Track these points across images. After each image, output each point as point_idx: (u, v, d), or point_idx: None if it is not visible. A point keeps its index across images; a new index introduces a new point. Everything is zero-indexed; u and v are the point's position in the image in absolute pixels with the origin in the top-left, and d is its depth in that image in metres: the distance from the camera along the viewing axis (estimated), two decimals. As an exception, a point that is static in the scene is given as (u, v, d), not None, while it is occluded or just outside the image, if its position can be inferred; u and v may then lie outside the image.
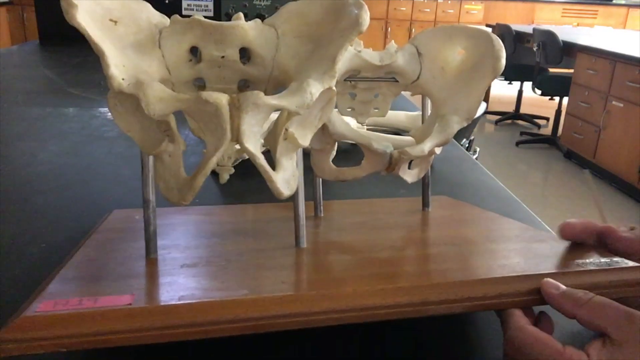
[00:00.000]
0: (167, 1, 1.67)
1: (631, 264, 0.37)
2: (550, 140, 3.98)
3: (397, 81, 0.44)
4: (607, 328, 0.31)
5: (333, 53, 0.33)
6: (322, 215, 0.47)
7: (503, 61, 0.40)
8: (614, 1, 6.27)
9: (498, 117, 4.61)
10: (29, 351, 0.27)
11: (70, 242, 0.48)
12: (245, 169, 0.71)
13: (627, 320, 0.30)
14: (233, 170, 0.35)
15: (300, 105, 0.31)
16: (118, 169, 0.69)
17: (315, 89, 0.32)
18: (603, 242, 0.40)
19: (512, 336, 0.32)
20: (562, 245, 0.41)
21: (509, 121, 4.57)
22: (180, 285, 0.32)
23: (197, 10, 1.68)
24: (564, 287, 0.34)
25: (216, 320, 0.29)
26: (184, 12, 1.66)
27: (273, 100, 0.31)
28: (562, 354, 0.30)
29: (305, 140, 0.36)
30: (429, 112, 0.47)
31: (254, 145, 0.32)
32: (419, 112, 0.55)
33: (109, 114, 0.96)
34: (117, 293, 0.31)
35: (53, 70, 1.40)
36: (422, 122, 0.47)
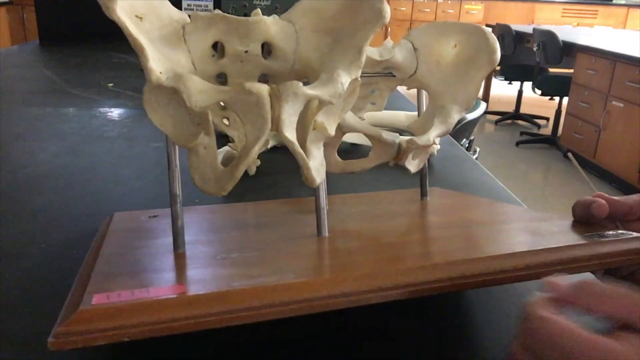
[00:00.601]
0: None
1: (635, 235, 0.38)
2: (550, 140, 3.98)
3: (394, 76, 0.45)
4: (632, 318, 0.29)
5: (358, 44, 0.34)
6: (327, 207, 0.48)
7: (498, 53, 0.42)
8: (614, 1, 6.27)
9: (498, 117, 4.61)
10: (93, 342, 0.27)
11: (70, 242, 0.48)
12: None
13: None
14: (259, 162, 0.36)
15: (333, 95, 0.33)
16: (118, 169, 0.69)
17: (344, 79, 0.33)
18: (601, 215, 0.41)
19: (537, 327, 0.32)
20: (566, 223, 0.42)
21: (509, 121, 4.57)
22: (225, 274, 0.33)
23: (197, 10, 1.68)
24: (567, 281, 0.33)
25: (271, 303, 0.30)
26: (183, 11, 1.66)
27: (310, 90, 0.32)
28: (594, 343, 0.30)
29: (332, 129, 0.37)
30: (425, 107, 0.48)
31: (291, 134, 0.33)
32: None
33: (109, 113, 0.96)
34: (164, 284, 0.31)
35: (53, 70, 1.41)
36: (419, 115, 0.48)
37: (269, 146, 0.71)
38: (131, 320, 0.28)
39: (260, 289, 0.30)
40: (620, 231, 0.39)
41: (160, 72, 0.31)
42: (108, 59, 1.55)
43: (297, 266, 0.35)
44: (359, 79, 0.35)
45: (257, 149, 0.32)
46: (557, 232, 0.40)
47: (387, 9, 0.35)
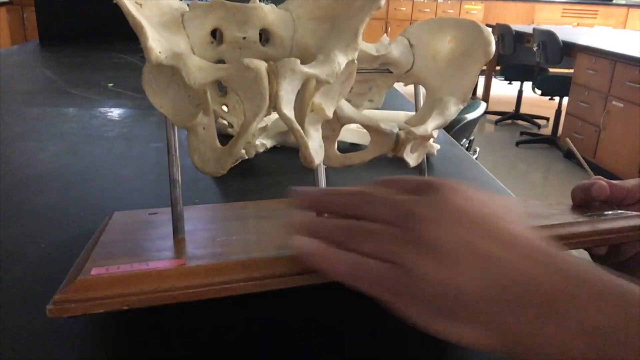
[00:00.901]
0: (167, 1, 1.66)
1: (634, 213, 0.39)
2: (550, 140, 3.98)
3: (391, 72, 0.45)
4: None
5: (354, 27, 0.35)
6: None
7: (493, 45, 0.42)
8: (614, 1, 6.27)
9: (498, 117, 4.61)
10: (91, 310, 0.27)
11: (70, 242, 0.48)
12: (244, 169, 0.71)
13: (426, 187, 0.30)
14: (257, 147, 0.36)
15: (330, 74, 0.33)
16: (118, 169, 0.69)
17: (341, 59, 0.34)
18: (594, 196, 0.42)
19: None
20: (565, 206, 0.43)
21: (509, 121, 4.57)
22: (223, 251, 0.33)
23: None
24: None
25: (271, 274, 0.30)
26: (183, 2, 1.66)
27: (307, 68, 0.33)
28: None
29: (329, 112, 0.37)
30: (422, 103, 0.48)
31: (289, 111, 0.33)
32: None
33: (109, 113, 0.96)
34: (163, 259, 0.31)
35: (53, 70, 1.41)
36: (416, 110, 0.49)
37: (268, 146, 0.71)
38: (130, 289, 0.28)
39: (259, 260, 0.31)
40: (619, 210, 0.40)
41: (160, 52, 0.31)
42: (108, 59, 1.55)
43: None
44: (356, 61, 0.35)
45: (255, 125, 0.32)
46: (557, 214, 0.40)
47: None
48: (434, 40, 0.44)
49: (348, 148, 0.75)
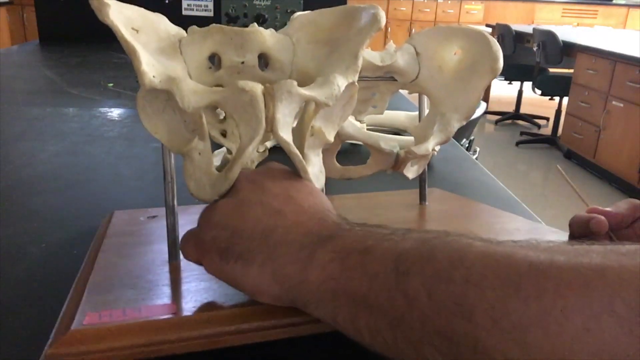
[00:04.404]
0: (167, 1, 1.67)
1: (627, 244, 0.38)
2: (550, 140, 3.98)
3: (395, 80, 0.45)
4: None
5: (354, 49, 0.34)
6: None
7: (501, 62, 0.41)
8: (614, 1, 6.27)
9: (498, 117, 4.61)
10: None
11: (70, 242, 0.48)
12: (245, 169, 0.71)
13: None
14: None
15: (329, 97, 0.32)
16: (118, 169, 0.69)
17: (341, 81, 0.33)
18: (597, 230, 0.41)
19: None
20: (562, 238, 0.42)
21: (509, 121, 4.57)
22: (215, 292, 0.33)
23: (197, 10, 1.68)
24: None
25: (261, 325, 0.30)
26: (184, 12, 1.66)
27: (305, 90, 0.32)
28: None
29: (330, 136, 0.37)
30: (426, 110, 0.48)
31: (287, 135, 0.32)
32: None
33: (109, 113, 0.96)
34: (156, 301, 0.31)
35: (53, 70, 1.40)
36: (420, 120, 0.48)
37: (268, 146, 0.71)
38: (122, 342, 0.28)
39: (249, 310, 0.30)
40: (615, 242, 0.39)
41: (154, 76, 0.31)
42: (108, 59, 1.55)
43: None
44: (357, 84, 0.35)
45: (251, 149, 0.32)
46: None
47: (383, 15, 0.35)
48: (441, 50, 0.43)
49: (348, 148, 0.75)
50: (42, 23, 1.81)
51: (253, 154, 0.35)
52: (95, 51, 1.65)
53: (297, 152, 0.33)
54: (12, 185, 0.62)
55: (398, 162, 0.42)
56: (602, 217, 0.40)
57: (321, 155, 0.37)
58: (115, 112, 0.97)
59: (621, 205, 0.42)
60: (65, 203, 0.58)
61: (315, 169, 0.35)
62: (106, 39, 1.85)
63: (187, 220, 0.45)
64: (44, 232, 0.50)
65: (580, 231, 0.42)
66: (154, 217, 0.45)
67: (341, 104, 0.36)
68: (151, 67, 0.31)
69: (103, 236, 0.42)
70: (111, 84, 1.21)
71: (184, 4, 1.68)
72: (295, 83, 0.31)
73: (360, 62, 0.34)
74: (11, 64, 1.48)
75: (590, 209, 0.42)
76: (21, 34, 4.69)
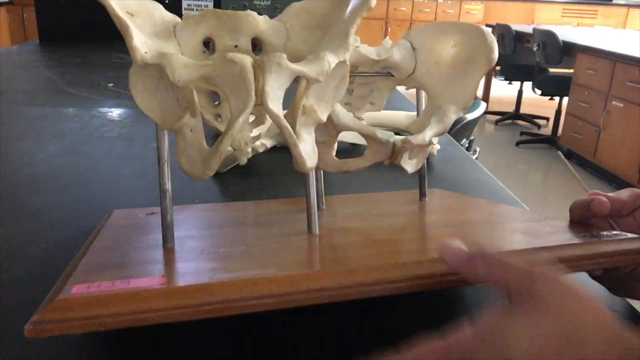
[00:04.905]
0: (167, 1, 1.67)
1: (630, 235, 0.38)
2: (550, 140, 3.98)
3: (393, 76, 0.45)
4: (509, 289, 0.29)
5: (345, 28, 0.35)
6: (324, 207, 0.48)
7: (496, 52, 0.42)
8: (614, 1, 6.27)
9: (498, 117, 4.61)
10: (69, 331, 0.27)
11: (70, 242, 0.48)
12: (245, 169, 0.71)
13: (528, 283, 0.29)
14: (250, 154, 0.36)
15: (319, 72, 0.33)
16: (118, 169, 0.69)
17: (331, 58, 0.33)
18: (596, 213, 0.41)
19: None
20: (561, 223, 0.42)
21: (509, 121, 4.57)
22: (207, 267, 0.33)
23: (197, 10, 1.68)
24: (464, 248, 0.31)
25: (249, 296, 0.30)
26: (184, 12, 1.66)
27: (294, 65, 0.32)
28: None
29: (323, 115, 0.37)
30: (424, 106, 0.48)
31: (277, 108, 0.32)
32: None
33: (109, 113, 0.96)
34: (146, 275, 0.31)
35: (53, 70, 1.41)
36: (418, 115, 0.48)
37: (268, 146, 0.71)
38: (108, 310, 0.28)
39: (239, 281, 0.30)
40: (614, 232, 0.39)
41: (145, 52, 0.31)
42: (108, 59, 1.55)
43: (281, 260, 0.35)
44: (348, 63, 0.35)
45: (241, 121, 0.32)
46: (552, 232, 0.40)
47: None
48: (438, 45, 0.44)
49: (348, 148, 0.75)
50: (42, 23, 1.81)
51: (246, 135, 0.35)
52: (95, 51, 1.65)
53: (287, 125, 0.33)
54: (12, 185, 0.62)
55: (395, 152, 0.42)
56: (604, 199, 0.40)
57: (314, 135, 0.37)
58: (115, 112, 0.97)
59: (623, 192, 0.42)
60: (65, 203, 0.58)
61: (307, 146, 0.35)
62: (106, 39, 1.85)
63: (185, 218, 0.45)
64: (44, 232, 0.50)
65: (581, 214, 0.42)
66: (152, 214, 0.46)
67: (334, 84, 0.36)
68: (143, 43, 0.31)
69: (102, 228, 0.42)
70: (111, 84, 1.21)
71: (184, 4, 1.68)
72: (284, 56, 0.32)
73: (351, 40, 0.34)
74: (11, 64, 1.48)
75: (592, 192, 0.42)
76: (21, 34, 4.69)
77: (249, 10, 0.37)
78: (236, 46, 0.36)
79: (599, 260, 0.36)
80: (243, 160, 0.35)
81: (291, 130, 0.33)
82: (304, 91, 0.35)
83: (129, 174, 0.68)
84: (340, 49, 0.34)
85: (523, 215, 0.46)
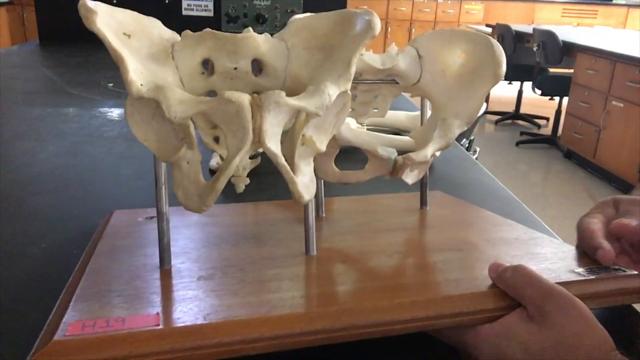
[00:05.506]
0: (167, 1, 1.67)
1: (629, 272, 0.38)
2: (550, 140, 3.98)
3: (397, 83, 0.44)
4: (530, 300, 0.33)
5: (347, 57, 0.34)
6: (324, 215, 0.48)
7: (504, 67, 0.40)
8: (614, 1, 6.27)
9: (498, 117, 4.61)
10: None
11: (70, 242, 0.48)
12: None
13: (544, 298, 0.32)
14: (248, 181, 0.35)
15: (319, 106, 0.32)
16: (118, 169, 0.69)
17: (332, 90, 0.32)
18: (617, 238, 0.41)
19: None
20: (561, 250, 0.42)
21: (509, 121, 4.57)
22: (202, 302, 0.33)
23: (197, 10, 1.68)
24: (502, 264, 0.36)
25: (243, 339, 0.30)
26: (184, 12, 1.66)
27: (293, 100, 0.31)
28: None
29: (322, 145, 0.36)
30: (429, 113, 0.47)
31: (275, 146, 0.32)
32: (419, 113, 0.56)
33: (109, 113, 0.96)
34: (141, 310, 0.31)
35: (53, 70, 1.40)
36: (422, 124, 0.48)
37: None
38: (103, 354, 0.28)
39: (232, 323, 0.30)
40: (616, 266, 0.39)
41: (141, 85, 0.31)
42: (108, 59, 1.54)
43: (275, 296, 0.34)
44: (349, 92, 0.34)
45: (237, 160, 0.31)
46: (553, 261, 0.40)
47: (377, 22, 0.34)
48: (444, 53, 0.43)
49: (348, 149, 0.75)
50: (42, 23, 1.81)
51: (244, 161, 0.34)
52: (95, 51, 1.65)
53: (285, 163, 0.32)
54: (12, 185, 0.62)
55: (396, 168, 0.42)
56: (609, 249, 0.39)
57: (312, 165, 0.36)
58: (115, 112, 0.97)
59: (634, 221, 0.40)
60: (65, 203, 0.58)
61: (305, 178, 0.35)
62: (106, 39, 1.84)
63: (184, 224, 0.45)
64: (44, 232, 0.50)
65: (587, 251, 0.41)
66: (152, 217, 0.45)
67: (334, 113, 0.36)
68: (139, 75, 0.31)
69: (99, 238, 0.42)
70: (111, 84, 1.21)
71: (184, 4, 1.68)
72: (283, 93, 0.31)
73: (352, 71, 0.34)
74: (11, 64, 1.48)
75: (616, 224, 0.41)
76: (21, 34, 4.69)
77: (250, 31, 0.36)
78: (236, 68, 0.35)
79: (595, 300, 0.36)
80: (241, 188, 0.35)
81: (288, 168, 0.33)
82: (304, 123, 0.34)
83: (129, 174, 0.68)
84: (342, 80, 0.33)
85: (523, 236, 0.45)
